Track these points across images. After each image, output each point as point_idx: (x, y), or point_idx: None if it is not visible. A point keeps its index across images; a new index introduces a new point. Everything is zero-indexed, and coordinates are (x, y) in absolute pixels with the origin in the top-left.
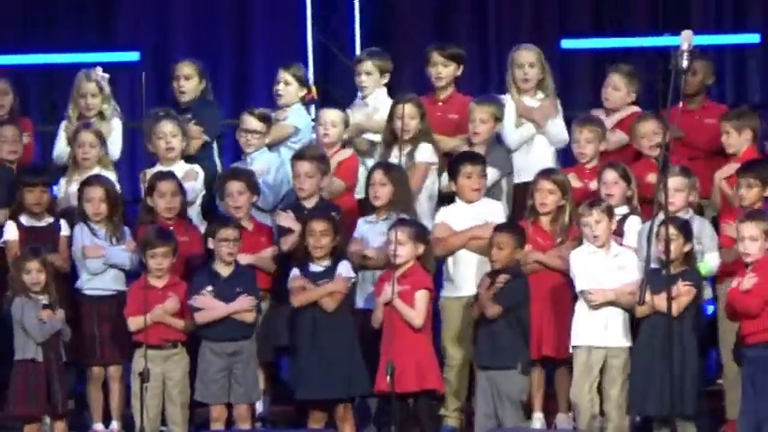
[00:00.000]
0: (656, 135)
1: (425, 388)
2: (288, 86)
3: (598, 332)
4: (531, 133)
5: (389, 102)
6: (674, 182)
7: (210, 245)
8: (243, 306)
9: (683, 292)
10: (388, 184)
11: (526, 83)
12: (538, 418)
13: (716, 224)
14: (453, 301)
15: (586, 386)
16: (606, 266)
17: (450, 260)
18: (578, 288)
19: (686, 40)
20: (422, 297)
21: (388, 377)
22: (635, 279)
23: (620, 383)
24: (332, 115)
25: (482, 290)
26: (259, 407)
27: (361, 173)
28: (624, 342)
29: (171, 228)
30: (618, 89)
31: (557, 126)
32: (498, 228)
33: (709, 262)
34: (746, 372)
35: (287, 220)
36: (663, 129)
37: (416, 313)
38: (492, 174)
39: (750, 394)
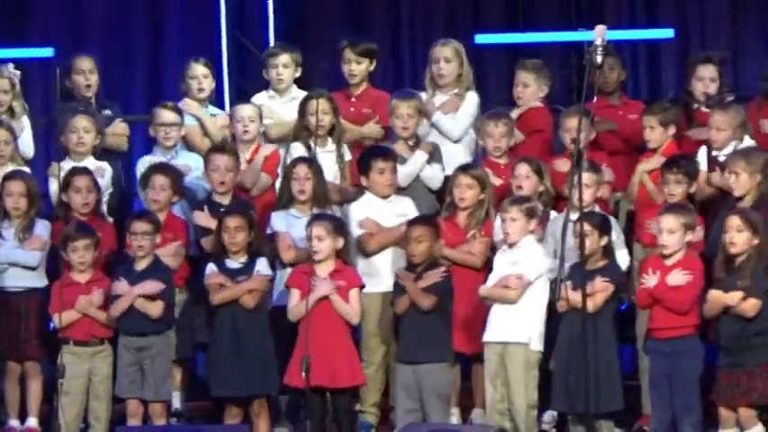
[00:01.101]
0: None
1: (349, 384)
2: (207, 79)
3: (508, 328)
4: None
5: (301, 95)
6: (584, 177)
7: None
8: (145, 290)
9: (600, 289)
10: (312, 177)
11: (442, 78)
12: (454, 413)
13: (631, 219)
14: (372, 295)
15: (497, 381)
16: (502, 262)
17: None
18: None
19: (600, 35)
20: (356, 295)
21: (304, 372)
22: (518, 273)
23: (530, 379)
24: (248, 111)
25: (408, 283)
26: (175, 402)
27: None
28: (535, 338)
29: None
30: (528, 85)
31: (452, 122)
32: (414, 222)
33: (618, 259)
34: (661, 366)
35: (202, 218)
36: (579, 124)
37: (354, 311)
38: (440, 169)
39: (665, 389)
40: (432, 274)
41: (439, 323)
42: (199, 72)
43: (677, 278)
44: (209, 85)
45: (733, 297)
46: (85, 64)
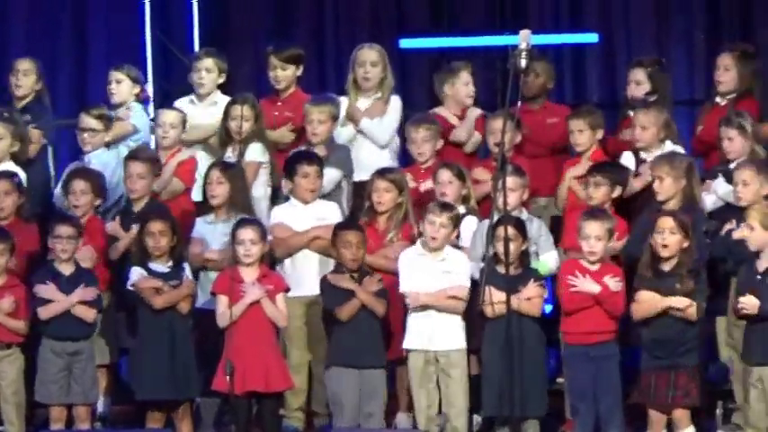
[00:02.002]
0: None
1: (276, 389)
2: (120, 85)
3: (432, 334)
4: (352, 133)
5: (223, 101)
6: (508, 182)
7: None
8: (84, 296)
9: (536, 293)
10: (225, 182)
11: (366, 82)
12: None
13: (557, 223)
14: (294, 300)
15: (423, 387)
16: (432, 269)
17: (287, 261)
18: (400, 289)
19: (524, 39)
20: (283, 299)
21: (228, 377)
22: (460, 283)
23: (457, 384)
24: (170, 117)
25: (358, 289)
26: (99, 406)
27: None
28: (459, 343)
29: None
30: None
31: (379, 126)
32: (343, 227)
33: (548, 262)
34: (584, 371)
35: (112, 228)
36: (503, 127)
37: (282, 314)
38: (334, 174)
39: (589, 392)
40: (372, 280)
41: (375, 328)
42: (113, 78)
43: (615, 284)
44: (118, 89)
45: (682, 302)
46: (22, 65)
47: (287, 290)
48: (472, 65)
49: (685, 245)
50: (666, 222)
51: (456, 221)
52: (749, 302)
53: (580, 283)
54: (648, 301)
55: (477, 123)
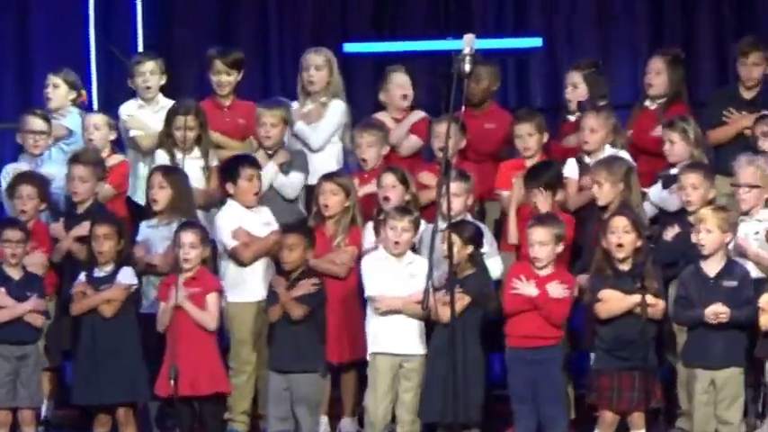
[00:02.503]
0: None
1: (212, 391)
2: (57, 89)
3: (394, 338)
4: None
5: (168, 104)
6: (453, 187)
7: None
8: (36, 306)
9: (456, 300)
10: (167, 187)
11: (311, 85)
12: (323, 422)
13: (499, 226)
14: (243, 304)
15: (381, 392)
16: (398, 274)
17: (231, 265)
18: (366, 294)
19: (468, 44)
20: (213, 300)
21: (172, 381)
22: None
23: (414, 390)
24: (95, 119)
25: (282, 291)
26: (43, 410)
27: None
28: (419, 349)
29: None
30: (412, 88)
31: (312, 131)
32: (288, 229)
33: (491, 267)
34: (527, 375)
35: (55, 230)
36: (447, 132)
37: (210, 316)
38: (300, 178)
39: (529, 396)
40: (304, 284)
41: (311, 333)
42: (50, 82)
43: (559, 290)
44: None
45: (650, 298)
46: None
47: (219, 290)
48: (406, 68)
49: (639, 244)
50: (620, 221)
51: (417, 224)
52: (719, 310)
53: (521, 285)
54: (615, 300)
55: (417, 127)
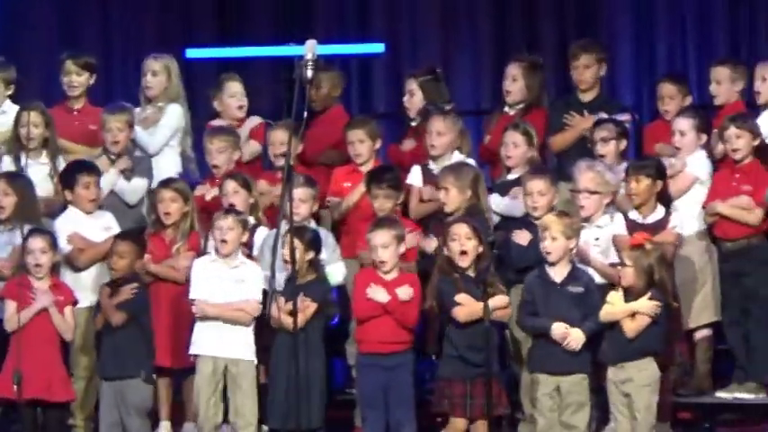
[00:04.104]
0: (283, 145)
1: (61, 398)
2: None
3: (219, 342)
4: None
5: (13, 110)
6: (299, 192)
7: None
8: None
9: (302, 307)
10: (11, 194)
11: (149, 90)
12: (165, 427)
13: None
14: (78, 310)
15: (203, 395)
16: (225, 277)
17: (69, 270)
18: (190, 296)
19: (310, 49)
20: (71, 311)
21: (15, 386)
22: (250, 296)
23: (246, 395)
24: None
25: (104, 298)
26: None
27: None
28: (246, 353)
29: None
30: (245, 96)
31: (148, 136)
32: (119, 236)
33: (334, 272)
34: (377, 380)
35: None
36: (289, 138)
37: (68, 326)
38: (143, 184)
39: (379, 403)
40: (125, 290)
41: (133, 338)
42: None
43: (407, 293)
44: None
45: (502, 300)
46: None
47: (75, 303)
48: (240, 76)
49: (480, 250)
50: (461, 228)
51: (244, 225)
52: (565, 333)
53: (371, 291)
54: (472, 304)
55: (254, 133)
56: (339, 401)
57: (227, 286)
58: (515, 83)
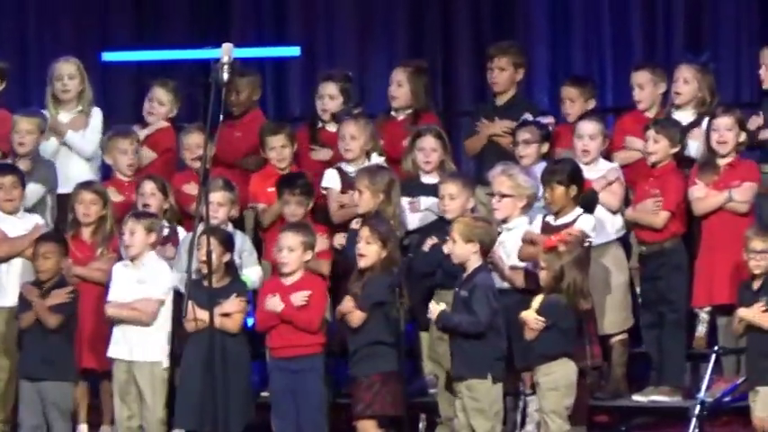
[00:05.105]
0: (199, 148)
1: None
2: None
3: (130, 345)
4: (56, 147)
5: None
6: (217, 196)
7: None
8: None
9: (237, 309)
10: None
11: (65, 94)
12: (83, 430)
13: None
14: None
15: (117, 398)
16: (131, 279)
17: None
18: (108, 298)
19: (226, 53)
20: None
21: None
22: (149, 295)
23: (157, 397)
24: None
25: (35, 299)
26: None
27: None
28: (157, 355)
29: None
30: (163, 104)
31: (83, 139)
32: (42, 238)
33: (250, 276)
34: (286, 384)
35: None
36: (205, 142)
37: None
38: (37, 189)
39: (289, 406)
40: (59, 293)
41: (63, 341)
42: None
43: (300, 298)
44: None
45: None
46: None
47: None
48: (160, 81)
49: (383, 254)
50: (363, 232)
51: (150, 228)
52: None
53: (267, 302)
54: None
55: (150, 140)
56: (257, 404)
57: (131, 288)
58: (400, 88)
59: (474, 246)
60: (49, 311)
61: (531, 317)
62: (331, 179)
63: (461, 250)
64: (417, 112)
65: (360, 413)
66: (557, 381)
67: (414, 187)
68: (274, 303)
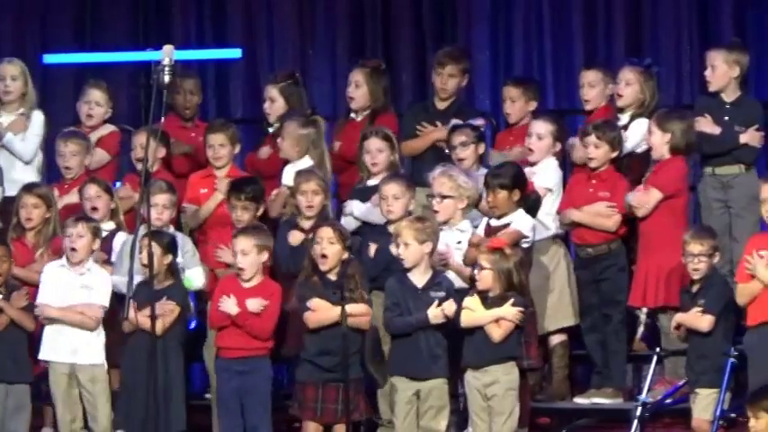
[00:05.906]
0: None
1: None
2: None
3: (67, 347)
4: None
5: None
6: (162, 198)
7: None
8: None
9: (168, 312)
10: None
11: (7, 96)
12: None
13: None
14: None
15: (58, 401)
16: (72, 284)
17: None
18: (36, 300)
19: (167, 54)
20: None
21: None
22: (94, 301)
23: (100, 399)
24: None
25: (3, 304)
26: None
27: None
28: (96, 357)
29: None
30: (101, 105)
31: (22, 143)
32: None
33: (192, 277)
34: (232, 385)
35: None
36: (147, 143)
37: None
38: None
39: (235, 407)
40: (19, 296)
41: (22, 341)
42: None
43: (256, 305)
44: None
45: (358, 308)
46: None
47: None
48: (93, 82)
49: (345, 256)
50: (326, 232)
51: (95, 232)
52: (449, 308)
53: (223, 303)
54: (323, 309)
55: (103, 142)
56: (196, 406)
57: (74, 292)
58: (358, 89)
59: (428, 246)
60: (24, 313)
61: (512, 312)
62: (289, 177)
63: (416, 252)
64: (375, 113)
65: (338, 419)
66: (513, 381)
67: (360, 190)
68: (229, 306)
